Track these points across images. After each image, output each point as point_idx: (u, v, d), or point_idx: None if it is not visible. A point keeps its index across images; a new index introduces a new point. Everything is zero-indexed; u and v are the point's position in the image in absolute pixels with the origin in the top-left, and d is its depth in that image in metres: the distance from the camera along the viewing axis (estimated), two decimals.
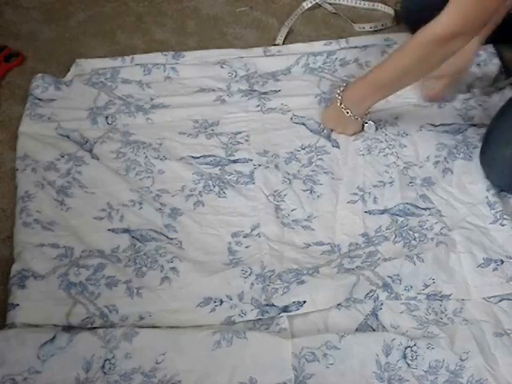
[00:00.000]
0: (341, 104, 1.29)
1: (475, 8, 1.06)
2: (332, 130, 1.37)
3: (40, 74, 1.46)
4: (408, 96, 1.40)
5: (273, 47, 1.56)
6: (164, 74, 1.48)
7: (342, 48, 1.54)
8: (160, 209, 1.25)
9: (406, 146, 1.35)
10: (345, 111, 1.30)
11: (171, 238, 1.21)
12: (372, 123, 1.34)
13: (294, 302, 1.11)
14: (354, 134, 1.36)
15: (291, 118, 1.40)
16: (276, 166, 1.32)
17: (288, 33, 1.61)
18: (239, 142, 1.36)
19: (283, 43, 1.58)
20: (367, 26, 1.62)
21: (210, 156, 1.33)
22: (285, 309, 1.10)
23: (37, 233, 1.19)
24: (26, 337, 1.04)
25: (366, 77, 1.27)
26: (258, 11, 1.68)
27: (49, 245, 1.17)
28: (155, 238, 1.21)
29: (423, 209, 1.25)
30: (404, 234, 1.21)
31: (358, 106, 1.30)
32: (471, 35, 1.11)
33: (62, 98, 1.43)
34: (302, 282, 1.13)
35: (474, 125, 1.37)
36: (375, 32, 1.61)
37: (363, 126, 1.35)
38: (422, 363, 1.04)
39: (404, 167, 1.31)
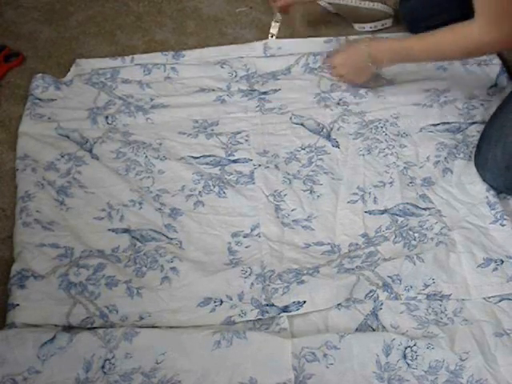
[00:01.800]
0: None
1: None
2: (338, 78, 1.42)
3: (40, 74, 1.46)
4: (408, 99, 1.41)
5: (273, 44, 1.54)
6: (164, 74, 1.49)
7: None
8: (160, 209, 1.25)
9: (406, 146, 1.35)
10: (368, 58, 1.33)
11: (171, 238, 1.21)
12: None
13: (293, 302, 1.10)
14: (361, 83, 1.40)
15: (291, 118, 1.40)
16: (276, 166, 1.32)
17: (288, 33, 1.61)
18: (239, 142, 1.36)
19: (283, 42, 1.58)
20: (367, 26, 1.62)
21: (209, 156, 1.34)
22: (285, 309, 1.10)
23: (37, 233, 1.19)
24: (26, 337, 1.03)
25: (400, 42, 1.31)
26: (257, 11, 1.68)
27: (49, 245, 1.17)
28: (155, 238, 1.21)
29: (423, 209, 1.25)
30: (404, 234, 1.21)
31: (381, 60, 1.33)
32: None
33: (62, 97, 1.43)
34: (302, 282, 1.13)
35: (475, 123, 1.37)
36: (375, 32, 1.62)
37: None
38: (422, 363, 1.04)
39: (404, 167, 1.31)
